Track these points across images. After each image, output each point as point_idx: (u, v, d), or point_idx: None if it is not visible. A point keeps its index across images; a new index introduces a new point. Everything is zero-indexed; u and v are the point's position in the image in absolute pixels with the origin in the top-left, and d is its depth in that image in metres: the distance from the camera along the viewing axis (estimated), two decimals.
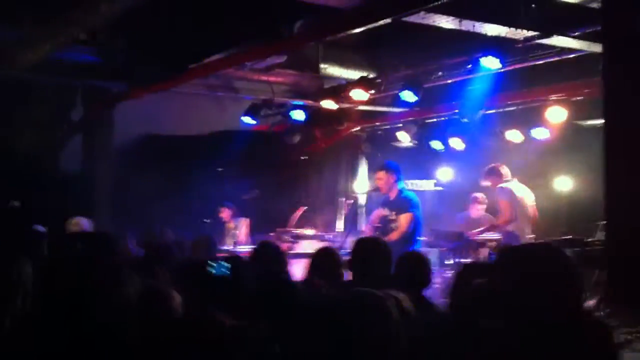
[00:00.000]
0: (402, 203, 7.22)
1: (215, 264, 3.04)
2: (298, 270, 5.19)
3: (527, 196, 7.86)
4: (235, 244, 7.77)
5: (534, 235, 7.69)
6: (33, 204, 7.55)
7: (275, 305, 2.86)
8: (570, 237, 7.01)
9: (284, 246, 7.65)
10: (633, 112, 4.41)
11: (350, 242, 7.46)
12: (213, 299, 3.20)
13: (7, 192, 7.83)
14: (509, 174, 7.91)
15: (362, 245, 4.63)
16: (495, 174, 7.89)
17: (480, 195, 8.73)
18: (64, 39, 6.58)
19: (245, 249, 7.71)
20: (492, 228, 7.90)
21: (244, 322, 2.55)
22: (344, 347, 2.16)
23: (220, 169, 9.13)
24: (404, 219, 7.09)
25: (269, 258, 4.54)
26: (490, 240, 7.91)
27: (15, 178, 7.82)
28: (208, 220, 8.73)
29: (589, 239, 6.85)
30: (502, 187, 7.78)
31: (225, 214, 8.96)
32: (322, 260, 4.65)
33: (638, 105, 4.36)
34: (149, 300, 2.56)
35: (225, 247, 7.94)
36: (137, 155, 9.01)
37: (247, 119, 9.28)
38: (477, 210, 8.72)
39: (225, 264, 3.05)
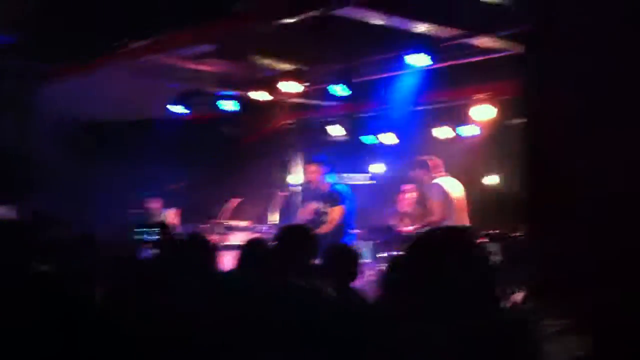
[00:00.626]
0: (333, 196, 7.29)
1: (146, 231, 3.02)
2: (229, 261, 5.14)
3: (458, 190, 7.84)
4: None
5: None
6: None
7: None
8: (498, 231, 7.11)
9: (216, 238, 7.59)
10: (548, 110, 4.55)
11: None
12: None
13: None
14: (441, 166, 7.81)
15: (288, 232, 4.58)
16: (423, 167, 7.72)
17: (407, 187, 8.76)
18: None
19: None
20: (427, 225, 7.91)
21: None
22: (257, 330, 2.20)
23: (146, 158, 8.92)
24: (334, 212, 7.16)
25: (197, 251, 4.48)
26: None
27: None
28: (134, 211, 8.56)
29: (516, 234, 7.00)
30: (432, 185, 7.68)
31: (154, 204, 8.81)
32: (252, 252, 4.62)
33: (553, 104, 4.50)
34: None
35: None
36: (61, 139, 8.71)
37: (178, 108, 9.14)
38: (405, 204, 8.80)
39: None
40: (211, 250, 4.65)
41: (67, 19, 7.21)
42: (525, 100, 4.89)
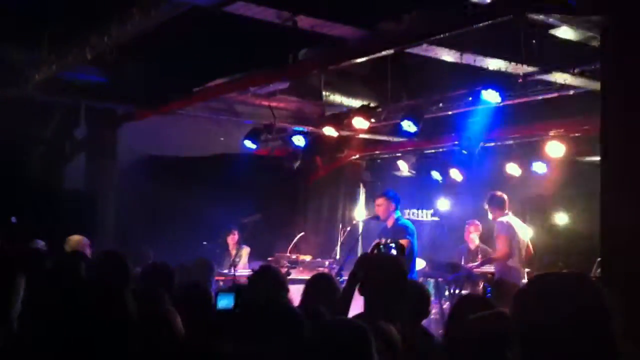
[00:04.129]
0: (399, 230, 7.26)
1: (221, 296, 3.06)
2: (295, 295, 5.19)
3: (523, 231, 7.81)
4: (234, 267, 7.77)
5: (529, 270, 7.69)
6: (34, 221, 7.58)
7: (275, 331, 2.88)
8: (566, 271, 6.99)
9: (282, 271, 7.66)
10: (629, 150, 4.48)
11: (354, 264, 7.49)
12: (213, 323, 3.22)
13: (10, 208, 7.87)
14: (508, 204, 7.89)
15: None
16: (497, 203, 7.75)
17: (476, 221, 8.75)
18: (73, 60, 6.68)
19: (244, 272, 7.72)
20: (489, 261, 7.91)
21: (246, 347, 2.57)
22: None
23: (219, 192, 9.18)
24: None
25: (270, 283, 4.54)
26: (486, 273, 7.93)
27: (19, 195, 7.87)
28: (206, 243, 8.75)
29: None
30: (501, 222, 7.67)
31: (232, 237, 8.99)
32: (319, 286, 4.65)
33: (633, 144, 4.43)
34: (152, 323, 2.58)
35: (225, 271, 7.95)
36: (139, 176, 9.06)
37: (248, 143, 9.37)
38: (475, 241, 8.74)
39: (229, 296, 3.07)
40: (282, 282, 4.72)
41: (146, 63, 7.57)
42: (602, 138, 4.84)
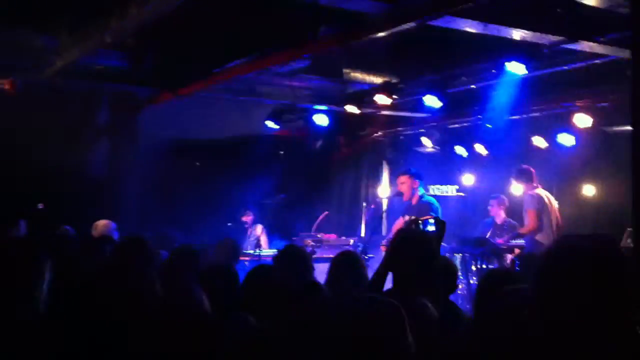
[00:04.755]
0: (423, 208, 7.21)
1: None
2: (320, 274, 5.18)
3: (552, 204, 7.79)
4: (259, 247, 7.79)
5: None
6: (60, 207, 7.64)
7: (300, 307, 2.86)
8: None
9: (307, 250, 7.65)
10: None
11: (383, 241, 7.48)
12: (239, 302, 3.22)
13: (35, 195, 7.94)
14: (535, 179, 7.86)
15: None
16: (525, 177, 7.79)
17: (503, 196, 8.68)
18: (93, 44, 6.67)
19: (269, 252, 7.74)
20: (518, 236, 7.87)
21: (270, 323, 2.56)
22: (360, 354, 2.18)
23: (242, 174, 9.18)
24: None
25: (295, 261, 4.54)
26: (514, 247, 7.87)
27: (43, 181, 7.93)
28: (230, 224, 8.78)
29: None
30: (531, 195, 7.68)
31: (249, 218, 9.03)
32: (344, 264, 4.63)
33: None
34: (180, 301, 2.57)
35: (249, 251, 7.97)
36: (162, 159, 9.09)
37: (270, 123, 9.34)
38: (501, 216, 8.67)
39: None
40: (308, 261, 4.71)
41: (165, 45, 7.54)
42: (633, 107, 4.70)
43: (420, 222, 4.37)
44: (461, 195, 10.37)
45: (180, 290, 2.61)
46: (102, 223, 6.50)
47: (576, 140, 8.31)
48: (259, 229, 8.88)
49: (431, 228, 4.21)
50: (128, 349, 2.37)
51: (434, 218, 4.22)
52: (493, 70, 7.35)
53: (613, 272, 1.81)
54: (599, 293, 1.79)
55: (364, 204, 10.91)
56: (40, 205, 7.99)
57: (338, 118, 9.61)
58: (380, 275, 3.66)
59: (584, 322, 1.79)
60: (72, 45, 6.96)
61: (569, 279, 1.81)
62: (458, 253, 7.89)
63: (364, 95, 8.79)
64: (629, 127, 4.79)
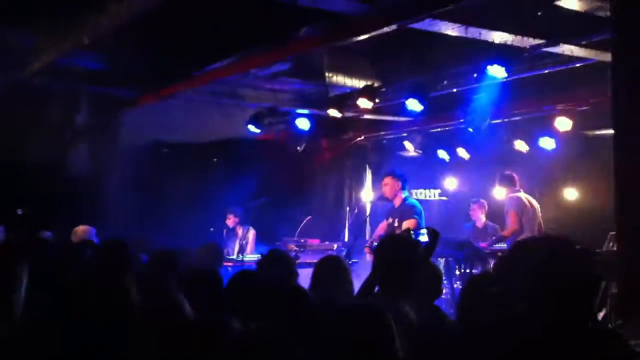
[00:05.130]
0: (406, 210, 7.21)
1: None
2: (304, 279, 5.13)
3: (533, 206, 7.84)
4: (242, 252, 7.71)
5: None
6: (40, 210, 7.53)
7: (285, 311, 2.82)
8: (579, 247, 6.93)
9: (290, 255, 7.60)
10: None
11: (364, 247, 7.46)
12: (222, 306, 3.17)
13: (14, 198, 7.81)
14: (517, 183, 7.93)
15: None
16: (508, 181, 7.90)
17: (481, 200, 8.73)
18: (70, 45, 6.58)
19: (252, 257, 7.67)
20: (500, 239, 7.90)
21: (255, 327, 2.51)
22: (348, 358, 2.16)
23: (224, 177, 9.12)
24: (407, 225, 7.05)
25: (280, 266, 4.49)
26: (497, 251, 7.89)
27: (22, 184, 7.81)
28: (212, 229, 8.69)
29: (598, 250, 6.79)
30: (511, 197, 7.76)
31: (231, 220, 8.92)
32: (328, 269, 4.58)
33: None
34: (158, 306, 2.52)
35: (232, 257, 7.89)
36: (143, 161, 9.00)
37: (252, 127, 9.28)
38: (482, 219, 8.71)
39: None
40: (292, 266, 4.66)
41: (145, 46, 7.46)
42: (614, 110, 4.72)
43: (412, 232, 4.36)
44: (444, 199, 10.39)
45: (159, 294, 2.56)
46: (81, 229, 6.40)
47: (557, 143, 8.36)
48: (251, 233, 8.78)
49: (423, 238, 4.19)
50: (106, 354, 2.32)
51: (427, 228, 4.19)
52: (475, 74, 7.36)
53: (566, 268, 1.94)
54: (551, 289, 1.90)
55: (348, 209, 10.89)
56: (18, 211, 7.88)
57: (320, 121, 9.58)
58: (370, 284, 3.64)
59: (538, 317, 1.90)
60: (50, 46, 6.87)
61: (525, 276, 1.94)
62: (441, 257, 7.88)
63: (346, 99, 8.77)
64: (609, 131, 4.82)
